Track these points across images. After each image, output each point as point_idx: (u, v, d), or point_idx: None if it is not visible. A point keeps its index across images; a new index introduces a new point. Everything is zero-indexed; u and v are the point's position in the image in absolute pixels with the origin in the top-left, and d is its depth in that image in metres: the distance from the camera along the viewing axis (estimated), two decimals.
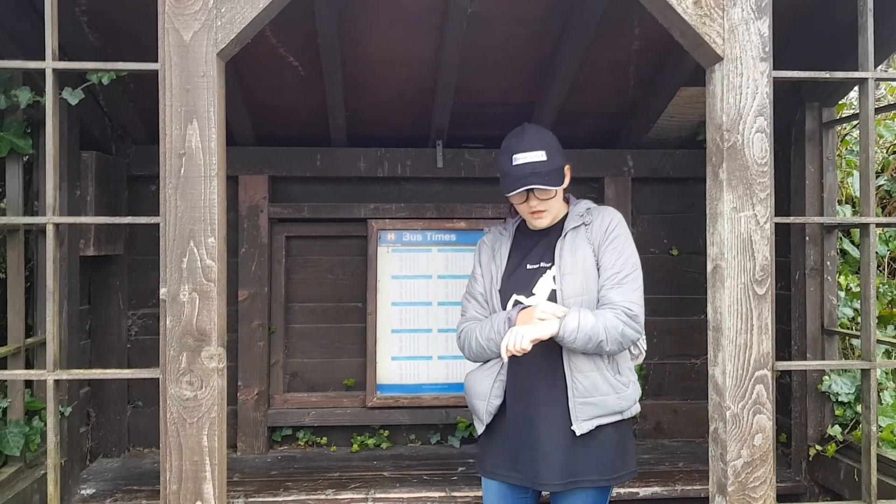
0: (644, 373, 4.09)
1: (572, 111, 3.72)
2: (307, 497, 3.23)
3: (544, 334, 2.18)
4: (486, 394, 2.38)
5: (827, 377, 3.29)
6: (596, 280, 2.32)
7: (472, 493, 3.28)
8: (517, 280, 2.39)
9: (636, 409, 2.40)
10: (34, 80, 2.72)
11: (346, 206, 4.01)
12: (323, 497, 3.24)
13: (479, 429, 2.42)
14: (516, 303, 2.35)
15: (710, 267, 2.15)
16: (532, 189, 2.30)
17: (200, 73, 1.98)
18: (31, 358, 3.03)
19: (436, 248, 4.05)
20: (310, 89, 3.52)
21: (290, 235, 4.07)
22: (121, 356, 3.87)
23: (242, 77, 3.42)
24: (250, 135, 3.86)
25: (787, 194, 3.46)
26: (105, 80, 2.56)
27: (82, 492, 3.26)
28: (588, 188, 4.09)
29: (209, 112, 1.99)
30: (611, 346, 2.26)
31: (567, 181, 2.40)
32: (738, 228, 2.09)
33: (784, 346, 3.53)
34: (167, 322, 2.02)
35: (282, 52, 3.27)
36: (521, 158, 2.30)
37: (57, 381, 2.07)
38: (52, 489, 2.00)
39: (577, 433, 2.25)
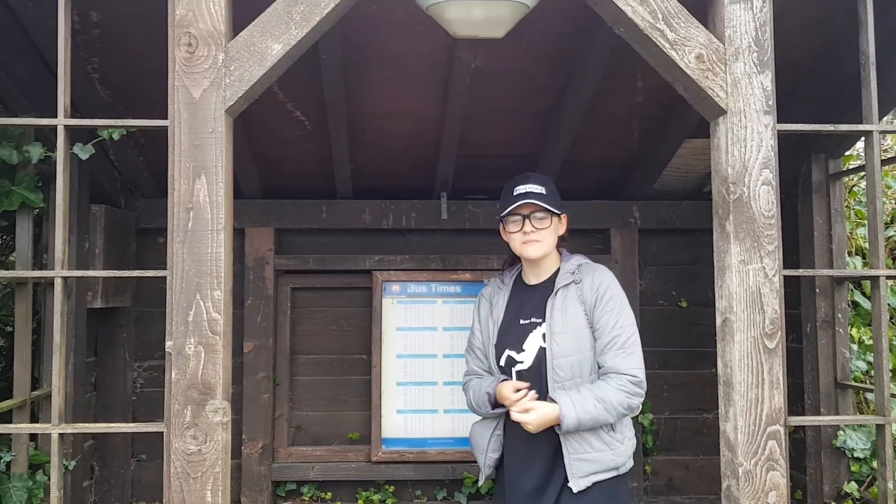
0: (654, 427, 4.03)
1: (577, 163, 3.74)
2: None
3: (544, 425, 2.23)
4: (485, 448, 2.43)
5: (842, 432, 3.24)
6: (588, 339, 2.31)
7: None
8: (510, 335, 2.41)
9: (631, 463, 2.39)
10: (46, 136, 2.75)
11: (351, 258, 4.02)
12: None
13: (481, 479, 2.48)
14: (508, 359, 2.38)
15: (719, 320, 2.14)
16: (528, 216, 2.38)
17: (209, 129, 2.01)
18: (37, 410, 3.01)
19: (441, 299, 4.04)
20: (316, 143, 3.56)
21: (295, 287, 4.07)
22: (125, 409, 3.83)
23: (250, 131, 3.46)
24: (257, 188, 3.89)
25: (796, 246, 3.46)
26: (115, 136, 2.60)
27: None
28: (594, 240, 4.10)
29: (217, 167, 2.01)
30: (616, 419, 2.28)
31: (563, 230, 2.49)
32: (747, 281, 2.07)
33: (797, 400, 3.48)
34: (172, 375, 2.00)
35: (289, 106, 3.31)
36: (522, 189, 2.41)
37: (61, 435, 2.05)
38: None
39: (574, 490, 2.23)
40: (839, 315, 3.33)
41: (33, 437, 2.92)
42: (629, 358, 2.28)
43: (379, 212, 3.99)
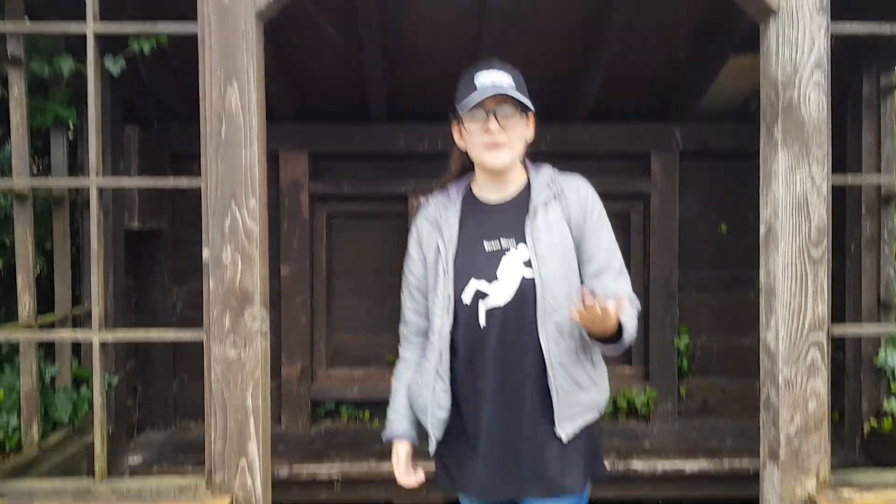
0: (690, 351, 4.00)
1: (619, 81, 3.64)
2: (350, 467, 3.24)
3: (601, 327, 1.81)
4: (427, 407, 2.02)
5: (882, 350, 3.18)
6: (575, 264, 1.97)
7: None
8: (474, 262, 1.97)
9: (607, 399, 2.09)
10: (77, 50, 2.73)
11: (386, 183, 3.99)
12: (366, 467, 3.24)
13: (431, 446, 2.06)
14: (477, 293, 1.95)
15: (763, 230, 2.08)
16: (494, 111, 1.90)
17: (240, 33, 1.97)
18: (78, 327, 3.07)
19: None
20: (349, 62, 3.50)
21: (331, 213, 4.06)
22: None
23: (282, 49, 3.41)
24: (290, 110, 3.86)
25: (844, 163, 3.35)
26: (146, 49, 2.57)
27: (130, 461, 3.31)
28: (634, 165, 4.01)
29: (248, 73, 1.98)
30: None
31: (531, 134, 2.02)
32: (794, 189, 2.01)
33: (838, 319, 3.41)
34: (210, 283, 2.02)
35: (321, 22, 3.25)
36: (485, 76, 1.94)
37: (103, 345, 2.09)
38: (99, 448, 2.02)
39: (565, 440, 1.93)
40: (885, 234, 3.24)
41: (76, 353, 2.99)
42: (627, 282, 1.99)
43: (414, 136, 3.94)
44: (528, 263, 1.93)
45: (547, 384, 1.93)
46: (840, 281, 3.40)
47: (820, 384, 1.99)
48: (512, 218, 1.98)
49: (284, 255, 3.93)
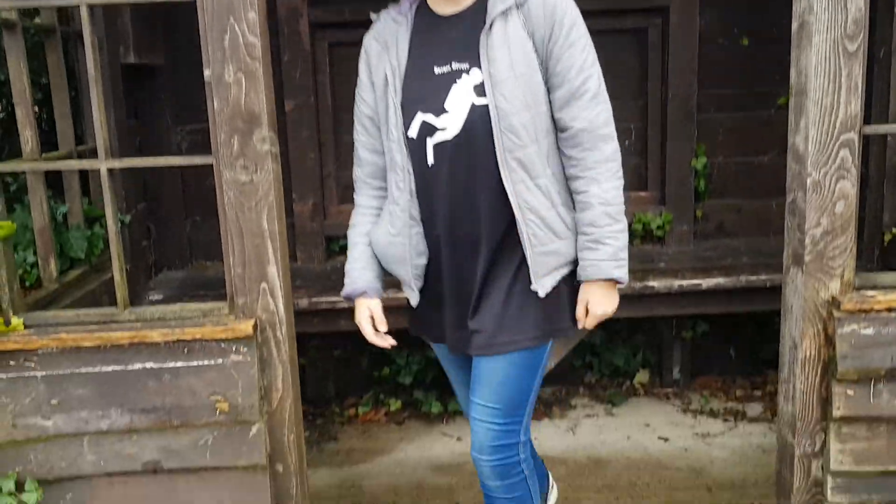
0: (707, 172, 3.93)
1: None
2: None
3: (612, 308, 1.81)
4: (406, 256, 1.86)
5: None
6: (542, 88, 1.69)
7: None
8: (421, 90, 1.74)
9: None
10: None
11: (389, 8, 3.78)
12: (385, 296, 3.27)
13: (413, 298, 1.94)
14: (424, 126, 1.74)
15: (795, 25, 1.96)
16: None
17: None
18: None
19: None
20: None
21: (332, 42, 3.89)
22: (173, 173, 3.84)
23: None
24: None
25: None
26: None
27: (150, 297, 3.36)
28: None
29: None
30: None
31: None
32: None
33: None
34: (215, 104, 1.95)
35: None
36: None
37: (111, 172, 2.04)
38: (119, 277, 2.02)
39: (542, 294, 1.77)
40: None
41: (86, 192, 2.94)
42: (603, 110, 1.71)
43: None
44: (482, 89, 1.68)
45: (506, 232, 1.76)
46: (867, 89, 3.27)
47: (849, 185, 1.94)
48: (465, 34, 1.73)
49: (287, 89, 3.79)
